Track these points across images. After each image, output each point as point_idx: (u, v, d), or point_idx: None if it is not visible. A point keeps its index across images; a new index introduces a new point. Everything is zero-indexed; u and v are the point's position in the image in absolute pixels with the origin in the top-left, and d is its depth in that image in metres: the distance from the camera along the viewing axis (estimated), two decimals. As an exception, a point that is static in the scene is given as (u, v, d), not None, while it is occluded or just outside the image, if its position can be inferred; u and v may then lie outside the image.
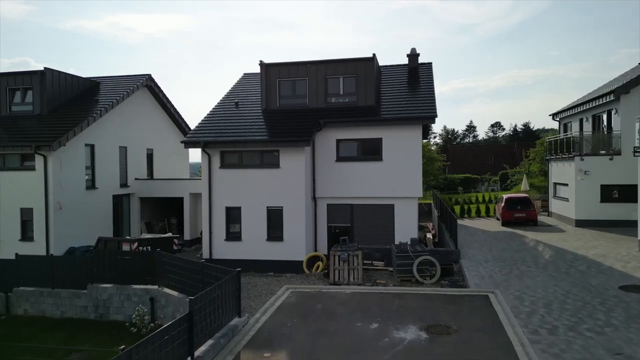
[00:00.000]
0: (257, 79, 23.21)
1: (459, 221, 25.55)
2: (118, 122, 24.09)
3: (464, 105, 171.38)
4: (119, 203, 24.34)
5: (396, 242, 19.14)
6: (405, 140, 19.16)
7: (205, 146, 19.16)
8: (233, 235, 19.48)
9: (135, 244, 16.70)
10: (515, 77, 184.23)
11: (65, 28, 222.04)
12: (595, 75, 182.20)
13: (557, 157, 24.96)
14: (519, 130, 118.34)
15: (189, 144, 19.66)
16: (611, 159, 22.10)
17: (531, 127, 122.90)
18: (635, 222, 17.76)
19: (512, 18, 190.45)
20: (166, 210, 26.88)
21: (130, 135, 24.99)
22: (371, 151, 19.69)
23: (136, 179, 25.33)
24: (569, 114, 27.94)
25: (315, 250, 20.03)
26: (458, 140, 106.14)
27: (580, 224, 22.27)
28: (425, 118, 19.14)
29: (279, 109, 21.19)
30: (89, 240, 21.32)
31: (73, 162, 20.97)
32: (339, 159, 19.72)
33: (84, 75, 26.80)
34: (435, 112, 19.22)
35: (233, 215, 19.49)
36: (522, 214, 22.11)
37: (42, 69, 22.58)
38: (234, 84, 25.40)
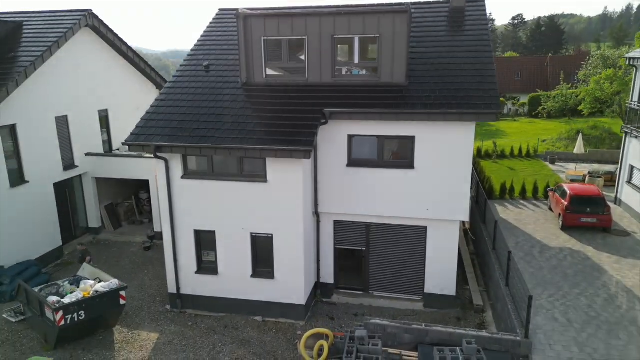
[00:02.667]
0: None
1: (498, 207, 19.76)
2: (51, 83, 17.61)
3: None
4: (66, 190, 18.86)
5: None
6: (449, 142, 13.08)
7: (158, 151, 13.21)
8: (207, 267, 14.39)
9: (60, 314, 11.51)
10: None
11: None
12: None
13: (642, 131, 18.52)
14: (543, 23, 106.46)
15: (135, 147, 13.54)
16: None
17: (557, 22, 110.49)
18: None
19: None
20: (134, 184, 21.51)
21: (71, 98, 18.62)
22: (398, 154, 13.79)
23: (87, 154, 19.54)
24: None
25: (318, 278, 15.10)
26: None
27: (671, 235, 16.76)
28: (482, 114, 12.79)
29: (266, 85, 14.69)
30: (25, 253, 16.56)
31: (-17, 157, 15.18)
32: (352, 162, 13.83)
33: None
34: (498, 102, 12.86)
35: (205, 240, 14.23)
36: (592, 219, 16.58)
37: None
38: (206, 27, 18.32)
